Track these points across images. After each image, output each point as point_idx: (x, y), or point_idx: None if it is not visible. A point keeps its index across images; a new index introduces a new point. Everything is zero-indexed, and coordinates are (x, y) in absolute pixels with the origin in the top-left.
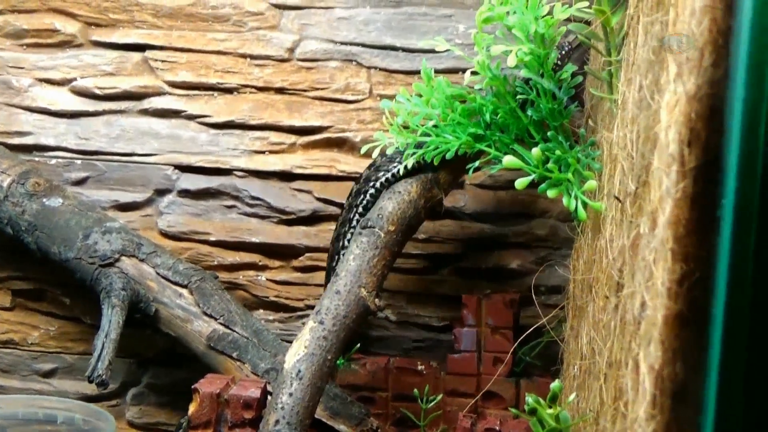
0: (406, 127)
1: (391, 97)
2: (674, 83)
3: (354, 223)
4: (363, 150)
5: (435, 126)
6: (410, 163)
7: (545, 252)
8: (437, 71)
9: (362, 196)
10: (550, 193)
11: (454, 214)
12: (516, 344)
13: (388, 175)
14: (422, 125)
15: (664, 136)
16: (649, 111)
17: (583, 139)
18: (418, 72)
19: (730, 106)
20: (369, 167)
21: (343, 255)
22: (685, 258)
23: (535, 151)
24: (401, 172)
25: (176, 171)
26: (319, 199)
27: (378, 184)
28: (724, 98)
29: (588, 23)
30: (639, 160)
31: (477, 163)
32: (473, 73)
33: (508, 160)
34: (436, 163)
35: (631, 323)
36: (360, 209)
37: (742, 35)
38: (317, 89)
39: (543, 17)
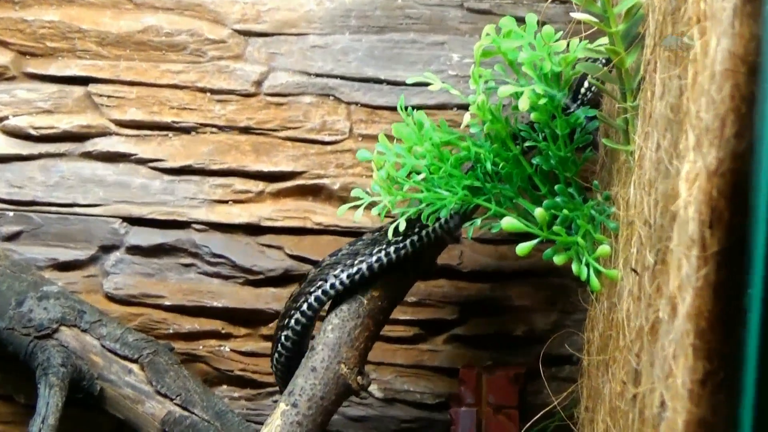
0: (392, 181)
1: (375, 138)
2: (693, 153)
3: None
4: (340, 212)
5: (424, 179)
6: (401, 225)
7: (555, 317)
8: (426, 108)
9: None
10: (557, 260)
11: (449, 273)
12: (523, 429)
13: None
14: (408, 178)
15: (683, 212)
16: (667, 179)
17: (596, 192)
18: (406, 107)
19: (755, 183)
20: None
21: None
22: (708, 355)
23: (539, 211)
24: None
25: (125, 224)
26: (291, 257)
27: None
28: (748, 174)
29: (604, 62)
30: (658, 231)
31: (478, 222)
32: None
33: (508, 222)
34: (430, 223)
35: (651, 422)
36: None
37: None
38: (289, 128)
39: (558, 53)
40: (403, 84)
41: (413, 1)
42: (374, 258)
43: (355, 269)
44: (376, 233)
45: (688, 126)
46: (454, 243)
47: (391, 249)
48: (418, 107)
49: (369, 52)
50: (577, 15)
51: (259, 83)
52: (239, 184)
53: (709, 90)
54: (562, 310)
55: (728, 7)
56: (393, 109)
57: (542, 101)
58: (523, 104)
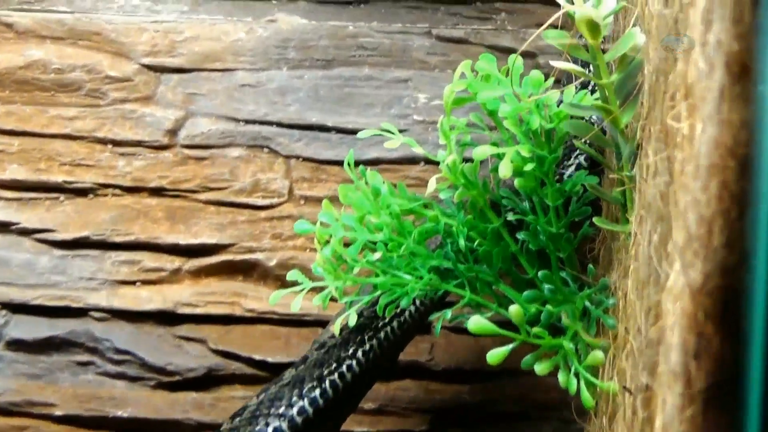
0: (339, 260)
1: (319, 201)
2: (679, 262)
3: None
4: (272, 300)
5: (380, 259)
6: (352, 320)
7: (550, 426)
8: (386, 162)
9: None
10: (539, 369)
11: (417, 372)
12: None
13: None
14: (361, 257)
15: (669, 335)
16: (656, 286)
17: (592, 277)
18: (358, 162)
19: (748, 304)
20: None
21: None
22: None
23: (514, 309)
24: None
25: (4, 312)
26: (216, 352)
27: None
28: (740, 292)
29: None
30: (649, 347)
31: (448, 313)
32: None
33: (475, 323)
34: (388, 315)
35: None
36: None
37: (763, 205)
38: (212, 189)
39: (548, 106)
40: (356, 132)
41: (368, 27)
42: (318, 391)
43: (296, 409)
44: (326, 343)
45: (675, 226)
46: (422, 333)
47: (343, 367)
48: (376, 162)
49: (313, 91)
50: (559, 64)
51: (173, 132)
52: (149, 260)
53: (692, 187)
54: (559, 419)
55: (714, 87)
56: (343, 163)
57: (529, 166)
58: (505, 170)
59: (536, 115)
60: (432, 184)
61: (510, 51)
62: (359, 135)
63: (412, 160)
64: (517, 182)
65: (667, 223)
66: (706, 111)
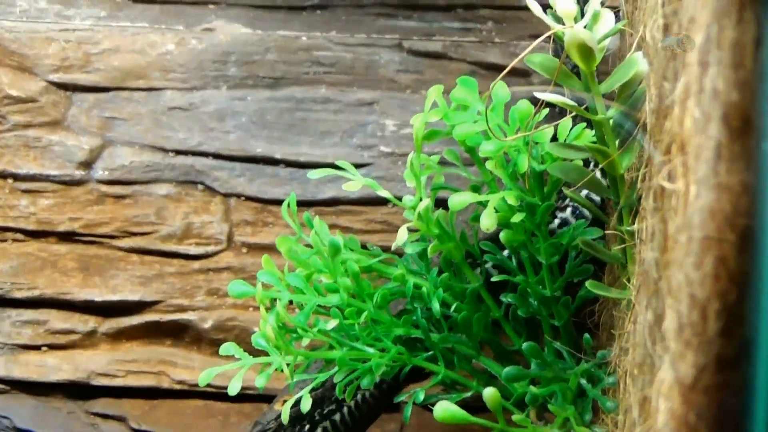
0: (285, 329)
1: (268, 250)
2: (671, 350)
3: None
4: (202, 381)
5: (335, 328)
6: (306, 404)
7: None
8: (346, 203)
9: None
10: None
11: None
12: None
13: None
14: (311, 326)
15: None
16: (651, 374)
17: (589, 348)
18: (312, 203)
19: (750, 404)
20: None
21: None
22: None
23: (489, 393)
24: None
25: None
26: None
27: None
28: (740, 389)
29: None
30: None
31: (420, 395)
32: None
33: (442, 410)
34: (348, 399)
35: None
36: None
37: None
38: (135, 234)
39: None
40: (310, 165)
41: (325, 38)
42: None
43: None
44: (268, 428)
45: (667, 306)
46: (389, 411)
47: None
48: (333, 202)
49: (258, 116)
50: (544, 96)
51: (88, 164)
52: (58, 320)
53: (685, 263)
54: None
55: (710, 144)
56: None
57: (517, 217)
58: (489, 221)
59: (525, 154)
60: (402, 236)
61: (498, 69)
62: (310, 175)
63: (378, 201)
64: (502, 235)
65: (661, 299)
66: (700, 172)
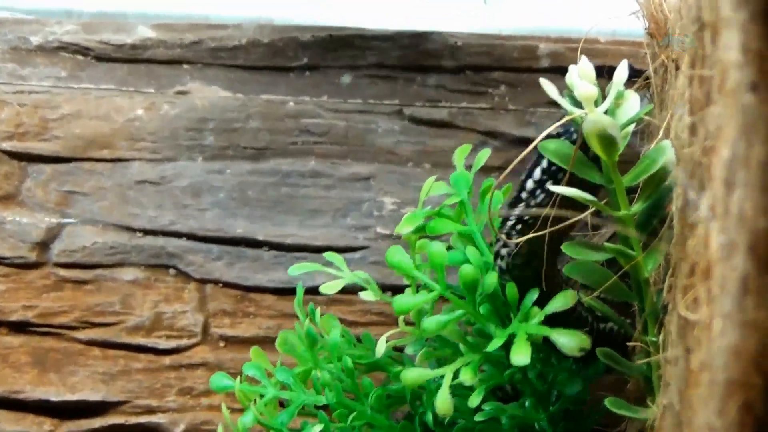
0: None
1: (246, 343)
2: None
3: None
4: None
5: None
6: None
7: None
8: (339, 291)
9: None
10: None
11: None
12: None
13: None
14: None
15: None
16: None
17: None
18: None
19: None
20: None
21: None
22: None
23: None
24: None
25: None
26: None
27: None
28: None
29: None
30: None
31: None
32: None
33: None
34: None
35: None
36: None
37: None
38: (97, 325)
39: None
40: (296, 248)
41: (315, 103)
42: None
43: None
44: None
45: None
46: None
47: None
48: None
49: (238, 192)
50: (558, 189)
51: (44, 245)
52: (9, 422)
53: (706, 408)
54: None
55: (735, 275)
56: (280, 292)
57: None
58: (444, 408)
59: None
60: (380, 348)
61: (512, 140)
62: (290, 271)
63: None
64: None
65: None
66: (725, 305)
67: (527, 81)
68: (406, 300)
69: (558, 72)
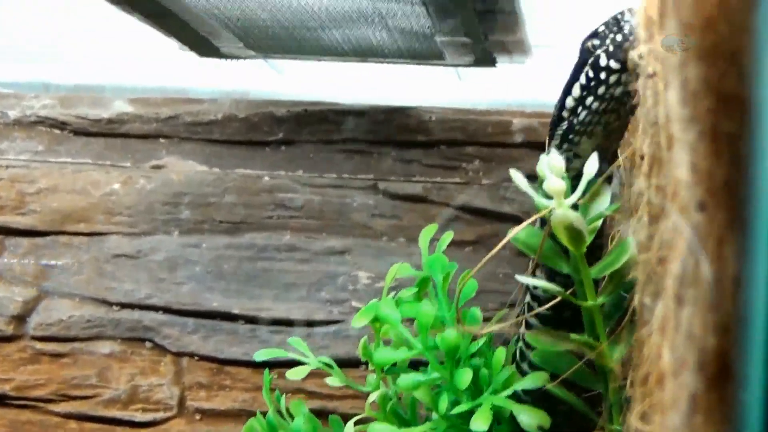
0: None
1: (223, 417)
2: None
3: None
4: None
5: None
6: None
7: None
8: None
9: None
10: None
11: None
12: None
13: None
14: None
15: None
16: None
17: None
18: (275, 364)
19: None
20: None
21: None
22: None
23: None
24: None
25: None
26: None
27: None
28: None
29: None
30: None
31: None
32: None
33: None
34: None
35: None
36: None
37: None
38: (73, 398)
39: None
40: (273, 323)
41: (290, 178)
42: None
43: None
44: None
45: None
46: None
47: None
48: (301, 362)
49: (214, 266)
50: (522, 279)
51: (21, 319)
52: None
53: None
54: None
55: (683, 394)
56: (255, 365)
57: None
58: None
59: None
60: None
61: (486, 214)
62: (255, 356)
63: (351, 362)
64: None
65: None
66: (675, 421)
67: (501, 156)
68: (386, 354)
69: (531, 147)
